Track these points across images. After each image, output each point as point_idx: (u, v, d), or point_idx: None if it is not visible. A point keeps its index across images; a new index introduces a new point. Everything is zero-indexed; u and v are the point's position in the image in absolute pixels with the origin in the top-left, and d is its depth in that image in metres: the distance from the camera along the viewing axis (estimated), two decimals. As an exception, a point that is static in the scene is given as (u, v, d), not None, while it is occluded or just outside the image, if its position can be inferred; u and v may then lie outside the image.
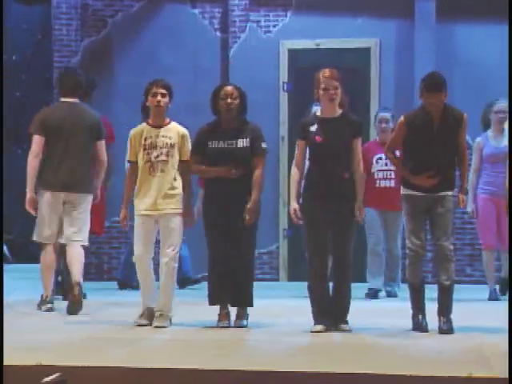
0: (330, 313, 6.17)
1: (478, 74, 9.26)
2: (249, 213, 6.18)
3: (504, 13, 9.16)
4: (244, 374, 4.81)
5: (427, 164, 6.07)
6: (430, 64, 9.17)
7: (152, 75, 9.45)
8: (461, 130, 6.15)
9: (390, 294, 8.06)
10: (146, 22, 9.66)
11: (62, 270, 7.54)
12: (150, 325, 6.29)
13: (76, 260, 7.01)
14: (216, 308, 6.41)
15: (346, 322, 6.18)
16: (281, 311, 7.11)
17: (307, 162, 6.26)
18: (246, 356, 5.35)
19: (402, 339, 5.88)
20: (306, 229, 6.19)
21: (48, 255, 7.05)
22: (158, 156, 6.28)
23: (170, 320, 6.36)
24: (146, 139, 6.30)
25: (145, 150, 6.30)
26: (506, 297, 7.85)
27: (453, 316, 6.19)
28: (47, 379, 4.64)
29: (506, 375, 4.74)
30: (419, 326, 6.19)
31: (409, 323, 6.24)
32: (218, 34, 9.57)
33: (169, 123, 6.38)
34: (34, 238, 7.12)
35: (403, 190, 6.31)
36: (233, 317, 6.39)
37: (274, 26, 9.50)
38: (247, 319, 6.37)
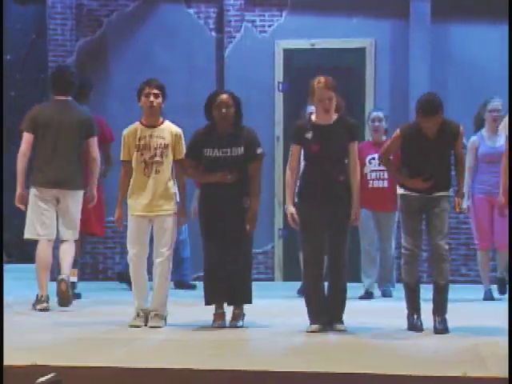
0: (326, 313, 6.17)
1: (473, 74, 9.27)
2: (249, 222, 6.22)
3: (499, 13, 9.17)
4: (239, 374, 4.81)
5: (422, 171, 6.10)
6: (425, 64, 9.19)
7: (147, 75, 9.44)
8: (457, 142, 6.17)
9: (385, 294, 8.06)
10: (142, 22, 9.65)
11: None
12: (145, 325, 6.28)
13: (66, 254, 7.09)
14: (211, 308, 6.41)
15: (342, 322, 6.18)
16: (276, 311, 7.11)
17: (302, 162, 6.26)
18: (241, 356, 5.35)
19: (397, 339, 5.88)
20: (302, 229, 6.19)
21: (42, 253, 7.06)
22: (152, 157, 6.27)
23: (165, 320, 6.35)
24: (139, 139, 6.29)
25: (138, 150, 6.29)
26: (502, 296, 7.85)
27: (448, 316, 6.19)
28: (42, 379, 4.64)
29: (502, 375, 4.75)
30: (414, 325, 6.19)
31: (404, 323, 6.25)
32: (214, 33, 9.56)
33: (162, 123, 6.36)
34: (25, 235, 7.13)
35: (399, 190, 6.32)
36: (228, 317, 6.39)
37: (270, 26, 9.50)
38: (243, 319, 6.37)
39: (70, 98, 7.24)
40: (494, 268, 8.14)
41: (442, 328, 6.11)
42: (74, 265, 7.70)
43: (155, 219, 6.34)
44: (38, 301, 7.02)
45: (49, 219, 7.08)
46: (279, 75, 9.50)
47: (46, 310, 6.98)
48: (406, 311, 6.29)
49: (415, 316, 6.22)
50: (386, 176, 7.82)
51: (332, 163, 6.08)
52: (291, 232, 8.00)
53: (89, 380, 4.80)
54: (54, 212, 7.11)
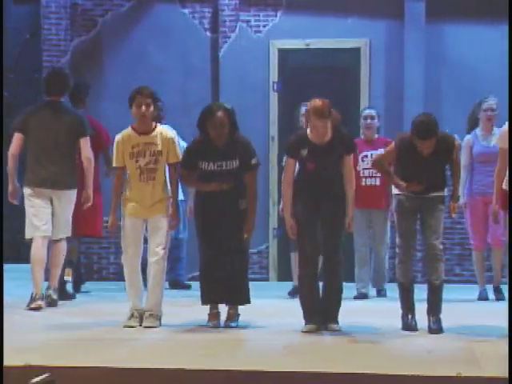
0: (321, 313, 6.17)
1: (467, 74, 9.28)
2: (247, 232, 6.26)
3: (493, 14, 9.19)
4: (234, 374, 4.81)
5: (417, 179, 6.11)
6: (420, 64, 9.19)
7: (142, 75, 9.51)
8: (453, 155, 6.18)
9: (379, 294, 8.05)
10: (136, 22, 9.64)
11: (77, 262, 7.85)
12: (140, 326, 6.27)
13: (56, 263, 7.21)
14: (206, 308, 6.41)
15: (337, 322, 6.18)
16: (271, 311, 7.11)
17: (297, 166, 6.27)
18: (236, 356, 5.35)
19: (391, 339, 5.89)
20: (298, 228, 6.19)
21: (37, 251, 7.07)
22: (147, 163, 6.29)
23: (160, 320, 6.35)
24: (133, 147, 6.28)
25: (133, 158, 6.29)
26: (496, 295, 7.84)
27: (442, 315, 6.20)
28: (36, 380, 4.63)
29: (496, 374, 4.76)
30: (409, 325, 6.20)
31: (398, 323, 6.25)
32: (208, 33, 9.56)
33: (154, 128, 6.33)
34: (26, 235, 7.17)
35: (394, 190, 6.33)
36: (223, 317, 6.39)
37: (264, 26, 9.50)
38: (237, 319, 6.37)
39: (62, 100, 7.32)
40: (489, 268, 8.14)
41: (436, 328, 6.12)
42: (70, 265, 7.72)
43: (149, 219, 6.35)
44: (33, 299, 7.02)
45: (46, 215, 7.13)
46: (274, 75, 9.49)
47: (40, 308, 6.97)
48: (400, 311, 6.29)
49: (409, 316, 6.22)
50: (378, 174, 7.80)
51: (327, 177, 6.11)
52: (286, 232, 7.98)
53: (83, 380, 4.79)
54: (50, 209, 7.16)
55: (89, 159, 7.25)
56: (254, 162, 6.27)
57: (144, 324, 6.28)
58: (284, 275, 8.71)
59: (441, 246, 6.23)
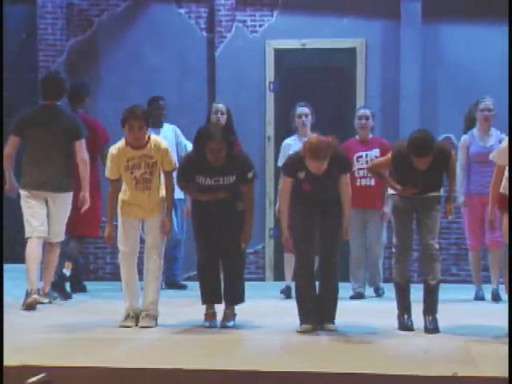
0: (317, 312, 6.17)
1: (463, 75, 9.28)
2: (244, 241, 6.30)
3: (489, 14, 9.19)
4: (231, 374, 4.81)
5: (413, 184, 6.13)
6: (416, 64, 9.19)
7: (138, 75, 9.51)
8: (449, 164, 6.19)
9: (377, 293, 8.04)
10: (132, 22, 9.63)
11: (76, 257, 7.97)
12: (136, 326, 6.27)
13: (49, 266, 7.28)
14: (202, 308, 6.41)
15: (333, 322, 6.19)
16: (267, 311, 7.11)
17: None
18: (233, 356, 5.35)
19: (387, 339, 5.89)
20: (295, 229, 6.20)
21: (32, 250, 7.13)
22: (142, 174, 6.31)
23: (156, 320, 6.35)
24: (128, 160, 6.29)
25: (128, 170, 6.30)
26: (493, 297, 7.82)
27: (438, 315, 6.20)
28: (32, 379, 4.63)
29: (493, 374, 4.76)
30: (405, 325, 6.20)
31: (395, 323, 6.26)
32: (204, 33, 9.55)
33: (148, 141, 6.30)
34: (26, 235, 7.23)
35: (390, 190, 6.34)
36: (219, 317, 6.39)
37: (260, 26, 9.50)
38: (234, 319, 6.38)
39: (58, 103, 7.39)
40: (485, 268, 8.13)
41: (432, 328, 6.12)
42: (69, 259, 7.83)
43: (146, 219, 6.36)
44: (28, 295, 7.03)
45: (43, 216, 7.20)
46: (270, 75, 9.49)
47: (35, 301, 6.99)
48: (396, 311, 6.30)
49: (406, 316, 6.23)
50: None
51: (323, 197, 6.13)
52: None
53: (79, 380, 4.79)
54: (45, 210, 7.22)
55: (84, 162, 7.30)
56: (250, 175, 6.28)
57: (140, 324, 6.28)
58: (280, 275, 8.68)
59: (437, 246, 6.24)
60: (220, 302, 6.40)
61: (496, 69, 9.14)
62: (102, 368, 4.89)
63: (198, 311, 6.45)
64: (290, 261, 7.86)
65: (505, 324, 6.05)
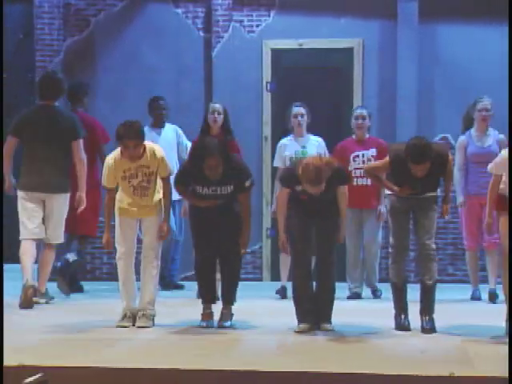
0: (314, 312, 6.18)
1: (460, 74, 9.29)
2: (243, 247, 6.32)
3: (486, 14, 9.20)
4: (228, 374, 4.81)
5: (411, 187, 6.13)
6: (413, 64, 9.20)
7: (135, 74, 9.50)
8: (446, 168, 6.19)
9: (374, 295, 8.00)
10: (129, 22, 9.63)
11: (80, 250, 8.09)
12: (133, 326, 6.27)
13: (45, 265, 7.31)
14: (199, 308, 6.41)
15: (330, 322, 6.19)
16: (264, 311, 7.11)
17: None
18: (230, 356, 5.35)
19: (384, 339, 5.90)
20: (292, 230, 6.20)
21: (26, 249, 7.21)
22: (139, 183, 6.31)
23: (153, 320, 6.35)
24: (125, 171, 6.28)
25: (125, 179, 6.30)
26: (490, 298, 7.81)
27: (435, 315, 6.21)
28: (29, 379, 4.63)
29: (489, 374, 4.77)
30: (402, 325, 6.21)
31: (391, 323, 6.26)
32: (201, 33, 9.55)
33: (144, 150, 6.25)
34: (21, 237, 7.27)
35: (387, 191, 6.34)
36: (216, 317, 6.39)
37: (257, 26, 9.49)
38: (231, 319, 6.38)
39: (56, 103, 7.43)
40: (482, 267, 8.13)
41: (429, 328, 6.13)
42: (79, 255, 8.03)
43: (143, 219, 6.37)
44: (24, 287, 7.06)
45: (37, 218, 7.24)
46: (267, 75, 9.49)
47: (31, 297, 7.05)
48: (393, 311, 6.30)
49: (403, 316, 6.23)
50: None
51: (320, 207, 6.13)
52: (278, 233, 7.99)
53: (76, 380, 4.79)
54: (41, 212, 7.26)
55: (82, 162, 7.34)
56: (247, 184, 6.28)
57: (137, 324, 6.28)
58: (277, 275, 8.68)
59: (434, 246, 6.25)
60: (215, 302, 6.41)
61: (493, 68, 9.15)
62: (98, 368, 4.89)
63: (195, 311, 6.45)
64: (285, 261, 7.87)
65: (501, 324, 6.07)
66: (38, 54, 9.47)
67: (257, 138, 9.41)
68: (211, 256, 6.38)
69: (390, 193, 6.34)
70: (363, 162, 7.83)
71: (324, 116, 9.20)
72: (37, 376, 4.69)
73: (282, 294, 7.89)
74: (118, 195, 6.37)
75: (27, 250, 7.19)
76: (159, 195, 6.38)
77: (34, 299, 7.21)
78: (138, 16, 9.64)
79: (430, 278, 6.20)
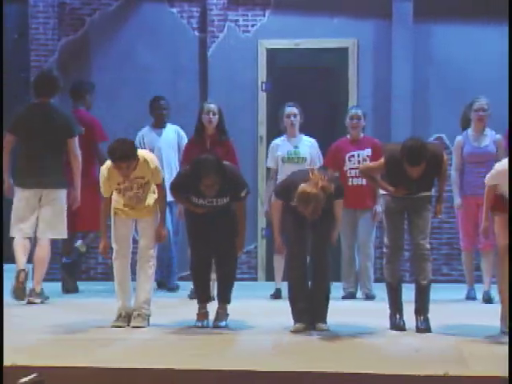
0: (309, 311, 6.18)
1: (455, 74, 9.30)
2: (238, 249, 6.36)
3: (481, 13, 9.22)
4: (226, 374, 4.82)
5: (406, 187, 6.14)
6: (408, 64, 9.21)
7: (130, 74, 9.49)
8: (441, 168, 6.19)
9: (367, 296, 7.96)
10: (124, 21, 9.62)
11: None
12: (128, 325, 6.27)
13: (40, 264, 7.33)
14: (194, 308, 6.41)
15: (325, 322, 6.19)
16: (259, 311, 7.11)
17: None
18: (226, 356, 5.36)
19: (379, 338, 5.90)
20: (287, 230, 6.20)
21: (18, 246, 7.31)
22: (135, 193, 6.31)
23: (148, 320, 6.35)
24: (119, 184, 6.27)
25: (120, 192, 6.30)
26: (485, 298, 7.80)
27: (430, 315, 6.22)
28: (24, 379, 4.63)
29: (484, 374, 4.78)
30: (397, 325, 6.22)
31: (386, 322, 6.27)
32: (197, 33, 9.55)
33: (137, 163, 6.19)
34: (11, 233, 7.36)
35: (382, 191, 6.35)
36: (211, 316, 6.39)
37: (253, 26, 9.50)
38: (226, 319, 6.38)
39: (51, 101, 7.50)
40: (478, 267, 8.13)
41: (424, 327, 6.14)
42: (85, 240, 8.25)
43: (139, 219, 6.38)
44: (16, 274, 7.13)
45: (32, 219, 7.31)
46: (262, 75, 9.49)
47: (22, 287, 7.12)
48: (388, 311, 6.31)
49: (397, 315, 6.24)
50: None
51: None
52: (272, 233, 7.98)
53: (71, 380, 4.79)
54: (35, 211, 7.31)
55: (77, 159, 7.42)
56: (243, 194, 6.28)
57: (132, 324, 6.28)
58: (273, 275, 8.69)
59: (428, 246, 6.25)
60: (210, 302, 6.42)
61: (488, 68, 9.17)
62: (93, 368, 4.89)
63: (190, 311, 6.45)
64: (279, 263, 7.88)
65: (496, 323, 6.08)
66: (32, 53, 9.46)
67: (252, 138, 9.42)
68: (207, 256, 6.39)
69: (384, 193, 6.35)
70: (358, 161, 7.83)
71: (319, 116, 9.21)
72: (32, 376, 4.69)
73: (276, 296, 7.88)
74: (114, 196, 6.36)
75: (19, 242, 7.31)
76: (154, 195, 6.38)
77: (30, 299, 7.22)
78: (133, 15, 9.64)
79: (424, 277, 6.21)
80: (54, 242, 7.82)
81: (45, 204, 7.33)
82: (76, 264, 8.38)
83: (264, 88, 9.47)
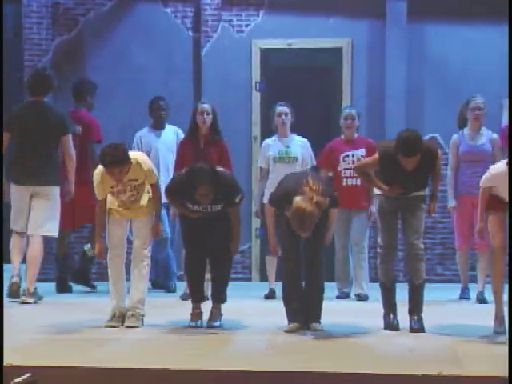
0: (303, 311, 6.18)
1: (448, 73, 9.32)
2: (233, 252, 6.38)
3: (474, 13, 9.23)
4: (220, 374, 4.82)
5: (400, 185, 6.14)
6: (402, 63, 9.22)
7: (124, 74, 9.49)
8: (435, 164, 6.19)
9: (360, 297, 7.92)
10: (118, 21, 9.62)
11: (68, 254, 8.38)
12: (122, 326, 6.27)
13: (33, 263, 7.37)
14: (189, 308, 6.41)
15: (319, 321, 6.20)
16: (253, 311, 7.11)
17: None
18: (221, 356, 5.35)
19: (373, 338, 5.91)
20: (281, 230, 6.20)
21: (16, 245, 7.48)
22: (129, 197, 6.30)
23: (142, 320, 6.34)
24: (112, 187, 6.26)
25: (114, 195, 6.29)
26: (479, 299, 7.80)
27: (424, 315, 6.22)
28: (18, 379, 4.62)
29: (478, 373, 4.79)
30: (391, 324, 6.22)
31: (380, 322, 6.27)
32: (190, 33, 9.55)
33: (129, 167, 6.16)
34: (11, 226, 7.55)
35: (376, 191, 6.35)
36: (206, 316, 6.39)
37: (247, 26, 9.50)
38: (220, 319, 6.38)
39: (45, 99, 7.60)
40: (472, 267, 8.14)
41: (418, 327, 6.14)
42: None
43: (134, 219, 6.38)
44: (10, 282, 7.30)
45: (24, 215, 7.44)
46: (256, 75, 9.50)
47: (17, 287, 7.29)
48: (382, 311, 6.31)
49: (391, 315, 6.24)
50: None
51: None
52: (266, 233, 7.98)
53: (65, 380, 4.79)
54: (27, 207, 7.45)
55: (71, 156, 7.54)
56: (237, 200, 6.28)
57: (126, 324, 6.28)
58: (267, 275, 8.70)
59: (422, 246, 6.26)
60: (204, 302, 6.42)
61: (482, 68, 9.19)
62: (87, 368, 4.89)
63: (184, 311, 6.45)
64: (272, 264, 7.88)
65: (490, 323, 6.09)
66: (26, 53, 9.45)
67: (246, 138, 9.42)
68: (201, 258, 6.39)
69: (379, 193, 6.35)
70: (353, 162, 7.83)
71: (313, 116, 9.21)
72: (25, 376, 4.68)
73: (270, 297, 7.88)
74: (109, 197, 6.35)
75: (15, 246, 7.46)
76: (149, 195, 6.37)
77: (23, 298, 7.24)
78: (127, 15, 9.63)
79: (418, 277, 6.22)
80: (47, 242, 7.83)
81: (37, 200, 7.43)
82: (86, 269, 8.37)
83: (258, 88, 9.47)
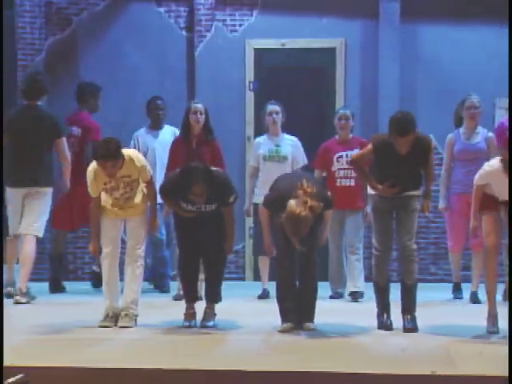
0: (297, 311, 6.18)
1: (441, 74, 9.33)
2: (228, 252, 6.39)
3: (468, 13, 9.25)
4: (214, 374, 4.81)
5: (393, 179, 6.14)
6: (395, 63, 9.23)
7: (118, 74, 9.48)
8: (428, 156, 6.20)
9: (354, 296, 7.91)
10: (112, 21, 9.60)
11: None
12: (115, 326, 6.26)
13: (26, 263, 7.39)
14: (182, 308, 6.41)
15: (312, 321, 6.20)
16: (247, 311, 7.12)
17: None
18: (215, 355, 5.35)
19: (367, 338, 5.91)
20: (275, 230, 6.20)
21: (9, 249, 7.58)
22: (122, 194, 6.30)
23: (136, 320, 6.34)
24: (105, 183, 6.25)
25: (107, 192, 6.29)
26: (472, 299, 7.80)
27: (417, 314, 6.23)
28: (11, 379, 4.61)
29: (471, 373, 4.79)
30: (384, 324, 6.23)
31: (374, 322, 6.28)
32: (184, 32, 9.54)
33: (122, 163, 6.17)
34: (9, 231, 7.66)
35: (370, 191, 6.35)
36: (199, 316, 6.39)
37: (240, 26, 9.50)
38: (214, 319, 6.38)
39: (39, 103, 7.68)
40: (465, 267, 8.15)
41: (411, 327, 6.15)
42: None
43: (127, 218, 6.38)
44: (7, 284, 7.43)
45: (18, 216, 7.49)
46: (250, 75, 9.49)
47: (7, 293, 7.37)
48: (375, 310, 6.32)
49: (385, 315, 6.25)
50: (353, 174, 7.75)
51: None
52: (259, 234, 7.98)
53: (58, 380, 4.78)
54: (20, 208, 7.50)
55: (66, 158, 7.63)
56: (231, 199, 6.28)
57: (119, 324, 6.27)
58: (260, 275, 8.69)
59: (414, 246, 6.26)
60: (197, 301, 6.42)
61: (475, 68, 9.20)
62: (80, 368, 4.88)
63: (178, 311, 6.44)
64: (264, 264, 7.88)
65: (483, 323, 6.10)
66: (19, 52, 9.43)
67: (239, 138, 9.41)
68: (195, 257, 6.38)
69: (373, 193, 6.35)
70: (347, 162, 7.83)
71: (306, 116, 9.21)
72: (18, 376, 4.67)
73: (264, 297, 7.87)
74: (103, 196, 6.34)
75: (10, 250, 7.56)
76: (143, 193, 6.36)
77: (17, 298, 7.26)
78: (121, 15, 9.62)
79: (410, 278, 6.23)
80: (40, 242, 7.83)
81: (29, 201, 7.48)
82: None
83: (251, 88, 9.47)
